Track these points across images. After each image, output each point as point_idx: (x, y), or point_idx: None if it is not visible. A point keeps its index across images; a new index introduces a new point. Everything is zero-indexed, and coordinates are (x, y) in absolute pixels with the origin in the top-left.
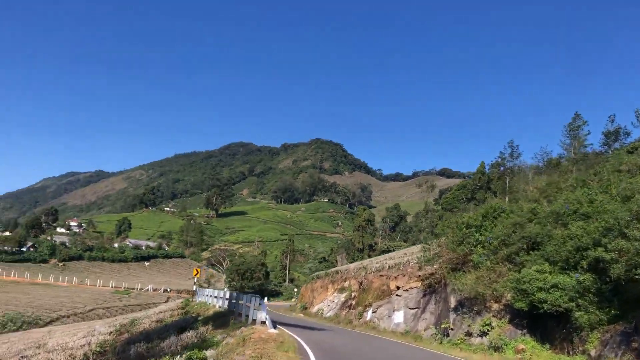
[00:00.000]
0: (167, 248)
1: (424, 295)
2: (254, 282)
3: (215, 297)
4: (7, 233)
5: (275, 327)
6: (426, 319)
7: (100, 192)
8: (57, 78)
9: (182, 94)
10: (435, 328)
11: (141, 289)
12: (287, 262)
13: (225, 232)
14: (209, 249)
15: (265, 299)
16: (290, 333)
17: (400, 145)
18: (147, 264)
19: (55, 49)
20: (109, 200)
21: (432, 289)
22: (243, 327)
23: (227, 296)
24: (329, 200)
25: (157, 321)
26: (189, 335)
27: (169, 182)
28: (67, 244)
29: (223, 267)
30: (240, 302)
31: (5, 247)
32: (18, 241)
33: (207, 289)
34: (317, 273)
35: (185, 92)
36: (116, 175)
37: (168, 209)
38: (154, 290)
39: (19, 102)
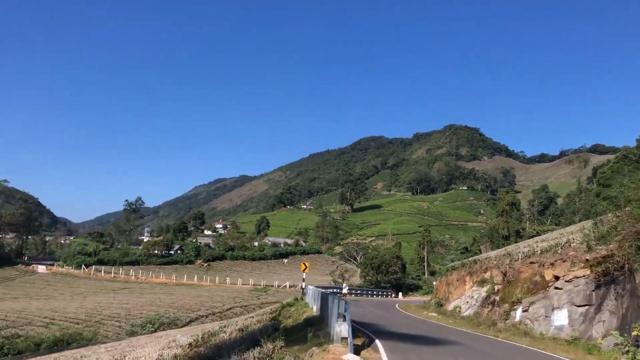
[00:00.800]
0: (304, 244)
1: (598, 287)
2: (390, 276)
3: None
4: (159, 238)
5: (358, 351)
6: (604, 320)
7: (244, 195)
8: (205, 96)
9: (315, 95)
10: (621, 335)
11: (279, 285)
12: (425, 253)
13: (361, 226)
14: (341, 243)
15: (400, 294)
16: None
17: (543, 124)
18: (285, 260)
19: (206, 71)
20: (252, 202)
21: (610, 277)
22: (314, 348)
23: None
24: (468, 188)
25: (241, 329)
26: (251, 357)
27: (306, 181)
28: (211, 245)
29: (357, 261)
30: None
31: (156, 251)
32: (166, 245)
33: (310, 287)
34: (452, 264)
35: (318, 93)
36: (258, 179)
37: (305, 206)
38: (291, 286)
39: (174, 119)
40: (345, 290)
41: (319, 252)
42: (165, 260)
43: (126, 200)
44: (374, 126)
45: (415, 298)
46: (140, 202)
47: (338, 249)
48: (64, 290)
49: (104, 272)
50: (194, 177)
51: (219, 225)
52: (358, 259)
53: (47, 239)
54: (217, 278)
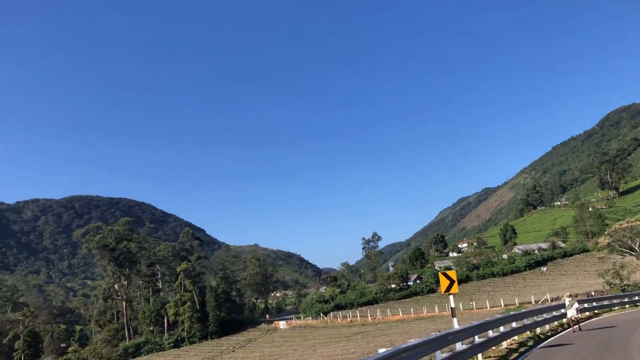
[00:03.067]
0: (563, 245)
1: None
2: None
3: None
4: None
5: None
6: None
7: (492, 208)
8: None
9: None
10: None
11: (537, 301)
12: None
13: (635, 210)
14: (606, 232)
15: None
16: None
17: None
18: (544, 268)
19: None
20: (501, 213)
21: None
22: None
23: None
24: None
25: None
26: None
27: (555, 177)
28: (452, 267)
29: (635, 250)
30: None
31: (393, 285)
32: (401, 276)
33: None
34: None
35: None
36: (502, 187)
37: (558, 203)
38: (554, 299)
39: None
40: (573, 311)
41: (585, 251)
42: (403, 294)
43: (363, 239)
44: (621, 97)
45: None
46: (377, 237)
47: (604, 240)
48: (298, 344)
49: (341, 317)
50: (438, 202)
51: (464, 245)
52: (636, 247)
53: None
54: (460, 304)
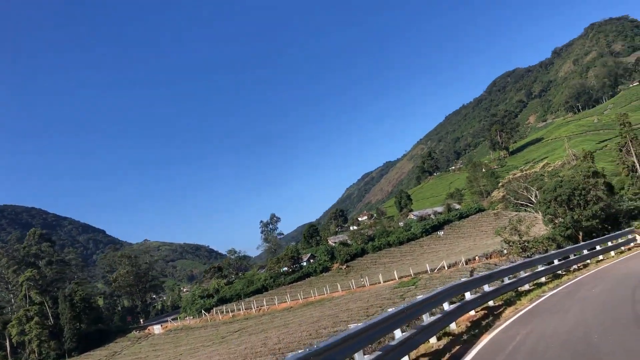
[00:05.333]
0: (458, 207)
1: None
2: (593, 208)
3: None
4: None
5: None
6: None
7: (393, 181)
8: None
9: (426, 54)
10: None
11: (432, 270)
12: (634, 158)
13: (524, 168)
14: (499, 184)
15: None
16: None
17: None
18: (441, 233)
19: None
20: (402, 184)
21: None
22: None
23: None
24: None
25: None
26: None
27: (449, 144)
28: (348, 241)
29: (532, 202)
30: None
31: (284, 268)
32: (292, 257)
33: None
34: None
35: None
36: (401, 160)
37: (453, 167)
38: (451, 266)
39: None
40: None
41: (481, 210)
42: (295, 277)
43: (261, 222)
44: (505, 64)
45: None
46: (275, 219)
47: (497, 193)
48: (166, 352)
49: (225, 312)
50: (344, 180)
51: (364, 218)
52: (532, 198)
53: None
54: (352, 281)
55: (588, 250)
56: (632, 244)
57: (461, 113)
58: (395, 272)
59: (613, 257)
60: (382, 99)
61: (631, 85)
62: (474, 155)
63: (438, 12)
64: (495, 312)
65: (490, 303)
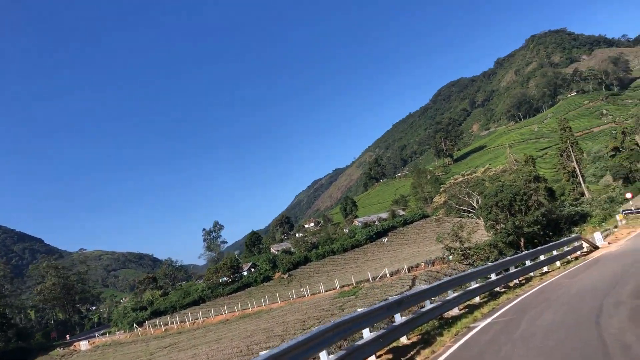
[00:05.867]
0: (403, 213)
1: None
2: (534, 213)
3: None
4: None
5: None
6: None
7: (342, 187)
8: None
9: (380, 64)
10: None
11: (374, 278)
12: (574, 163)
13: (466, 173)
14: (441, 189)
15: (600, 238)
16: None
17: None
18: (385, 239)
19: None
20: (351, 191)
21: None
22: None
23: None
24: (577, 92)
25: None
26: None
27: (396, 151)
28: (291, 249)
29: (474, 208)
30: None
31: (225, 278)
32: (231, 266)
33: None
34: None
35: (385, 61)
36: (350, 167)
37: (400, 174)
38: (394, 274)
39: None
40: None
41: (425, 216)
42: (235, 287)
43: (204, 230)
44: (449, 74)
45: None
46: (218, 226)
47: (439, 198)
48: None
49: (159, 326)
50: (294, 187)
51: (310, 225)
52: (474, 202)
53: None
54: (293, 291)
55: (531, 261)
56: (578, 252)
57: (408, 121)
58: (337, 281)
59: (559, 267)
60: (332, 107)
61: (569, 96)
62: (420, 162)
63: (384, 23)
64: (404, 358)
65: (403, 340)
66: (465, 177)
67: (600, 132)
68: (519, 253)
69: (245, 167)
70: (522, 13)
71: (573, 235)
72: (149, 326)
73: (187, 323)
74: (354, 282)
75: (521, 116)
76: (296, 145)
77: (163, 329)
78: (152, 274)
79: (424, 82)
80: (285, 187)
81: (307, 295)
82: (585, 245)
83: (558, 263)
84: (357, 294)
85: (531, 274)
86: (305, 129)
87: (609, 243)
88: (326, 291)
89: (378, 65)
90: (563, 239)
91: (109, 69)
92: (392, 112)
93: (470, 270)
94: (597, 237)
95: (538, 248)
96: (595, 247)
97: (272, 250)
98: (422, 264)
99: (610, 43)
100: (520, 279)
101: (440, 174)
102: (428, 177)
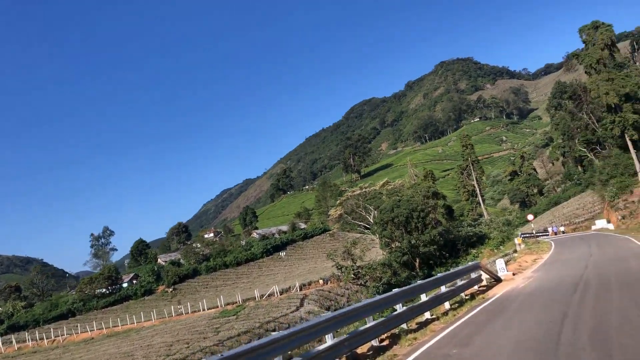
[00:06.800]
0: (304, 226)
1: None
2: (431, 232)
3: None
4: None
5: None
6: None
7: (251, 198)
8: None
9: (295, 76)
10: None
11: (262, 296)
12: (474, 182)
13: (364, 185)
14: (338, 202)
15: (503, 264)
16: None
17: (536, 35)
18: (283, 254)
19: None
20: (260, 202)
21: None
22: None
23: None
24: (480, 118)
25: None
26: None
27: (307, 165)
28: (181, 260)
29: (370, 222)
30: None
31: (103, 289)
32: (109, 277)
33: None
34: None
35: (298, 74)
36: (261, 178)
37: (307, 187)
38: (284, 291)
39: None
40: None
41: (327, 230)
42: (111, 300)
43: (92, 235)
44: (363, 92)
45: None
46: (108, 232)
47: (335, 212)
48: None
49: (14, 342)
50: (202, 195)
51: (210, 235)
52: (370, 218)
53: None
54: (172, 308)
55: (404, 305)
56: (476, 287)
57: (321, 136)
58: (221, 298)
59: (446, 314)
60: (246, 117)
61: (472, 121)
62: (329, 177)
63: (305, 41)
64: None
65: None
66: (363, 189)
67: (500, 158)
68: (411, 283)
69: (152, 173)
70: (433, 40)
71: (470, 262)
72: (3, 342)
73: (46, 341)
74: (239, 300)
75: (427, 138)
76: (205, 153)
77: (16, 346)
78: (15, 283)
79: (338, 99)
80: (192, 195)
81: (185, 313)
82: (484, 277)
83: (447, 304)
84: (238, 314)
85: (404, 325)
86: (214, 138)
87: (514, 274)
88: (209, 309)
89: (294, 79)
90: (458, 268)
91: None
92: (306, 126)
93: (323, 317)
94: (499, 265)
95: (419, 283)
96: (497, 279)
97: (160, 260)
98: (319, 281)
99: (512, 75)
100: (383, 337)
101: (346, 188)
102: (333, 190)
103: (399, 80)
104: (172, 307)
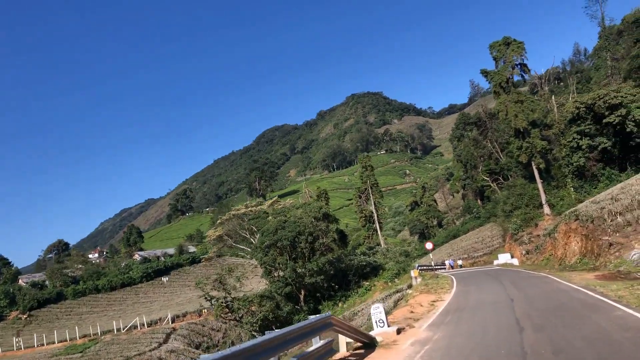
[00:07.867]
0: (193, 250)
1: None
2: (320, 260)
3: None
4: None
5: None
6: None
7: (151, 219)
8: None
9: (208, 97)
10: None
11: (123, 328)
12: (372, 207)
13: (250, 204)
14: (218, 221)
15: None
16: None
17: (443, 76)
18: (165, 279)
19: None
20: (160, 223)
21: None
22: None
23: None
24: (386, 151)
25: None
26: None
27: (213, 187)
28: (46, 283)
29: (253, 246)
30: None
31: None
32: None
33: None
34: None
35: (211, 95)
36: (164, 198)
37: (208, 209)
38: (153, 323)
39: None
40: None
41: (220, 256)
42: None
43: None
44: (275, 118)
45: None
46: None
47: (213, 233)
48: None
49: None
50: (99, 214)
51: (95, 255)
52: (254, 241)
53: None
54: (15, 340)
55: None
56: None
57: (230, 159)
58: (77, 330)
59: None
60: (152, 135)
61: (379, 153)
62: (234, 200)
63: (223, 60)
64: None
65: None
66: (249, 208)
67: (403, 190)
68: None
69: (49, 185)
70: (346, 72)
71: (321, 315)
72: None
73: None
74: (97, 332)
75: (335, 166)
76: (102, 172)
77: None
78: None
79: (250, 122)
80: (90, 212)
81: (28, 347)
82: (343, 341)
83: None
84: (86, 351)
85: None
86: (115, 155)
87: (398, 332)
88: (60, 342)
89: (205, 99)
90: (305, 322)
91: None
92: (215, 147)
93: None
94: (376, 314)
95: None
96: (368, 344)
97: (21, 282)
98: (203, 311)
99: (418, 112)
100: None
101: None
102: (231, 214)
103: (312, 108)
104: (20, 338)
